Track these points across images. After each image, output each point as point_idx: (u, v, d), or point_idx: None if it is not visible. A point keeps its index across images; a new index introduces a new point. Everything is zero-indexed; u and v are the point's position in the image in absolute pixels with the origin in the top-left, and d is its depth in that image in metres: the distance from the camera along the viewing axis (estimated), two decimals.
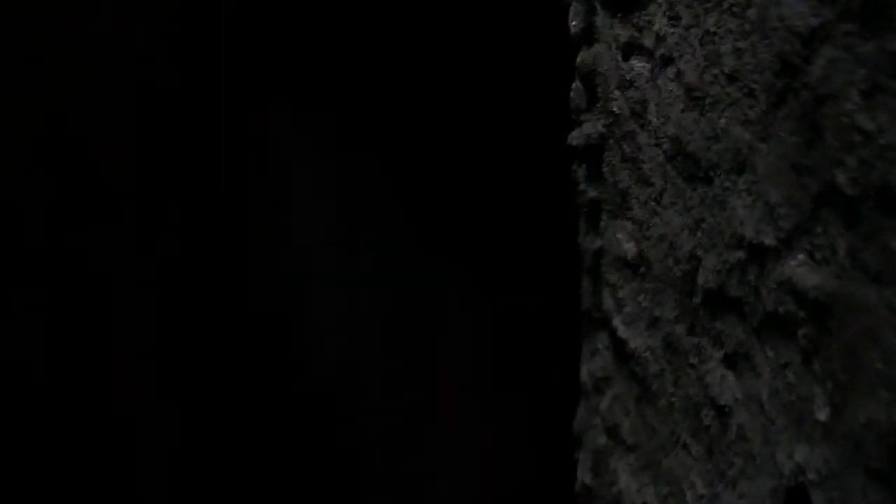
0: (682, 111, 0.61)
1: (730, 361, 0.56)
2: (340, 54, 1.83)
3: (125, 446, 1.78)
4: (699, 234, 0.60)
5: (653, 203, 0.69)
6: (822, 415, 0.42)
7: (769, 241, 0.48)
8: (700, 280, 0.60)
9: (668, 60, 0.64)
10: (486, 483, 1.85)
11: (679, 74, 0.61)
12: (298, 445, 1.83)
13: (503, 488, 1.83)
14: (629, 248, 0.77)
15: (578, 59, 0.85)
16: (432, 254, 1.86)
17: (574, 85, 0.96)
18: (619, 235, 0.79)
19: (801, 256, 0.45)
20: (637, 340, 0.75)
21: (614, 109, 0.77)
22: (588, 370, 0.96)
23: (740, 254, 0.53)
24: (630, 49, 0.73)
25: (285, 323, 1.88)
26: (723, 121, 0.54)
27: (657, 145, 0.67)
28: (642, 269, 0.74)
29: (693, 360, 0.63)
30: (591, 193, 0.86)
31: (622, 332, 0.79)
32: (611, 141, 0.80)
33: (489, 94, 1.83)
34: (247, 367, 1.81)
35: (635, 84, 0.72)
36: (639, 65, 0.71)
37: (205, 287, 1.82)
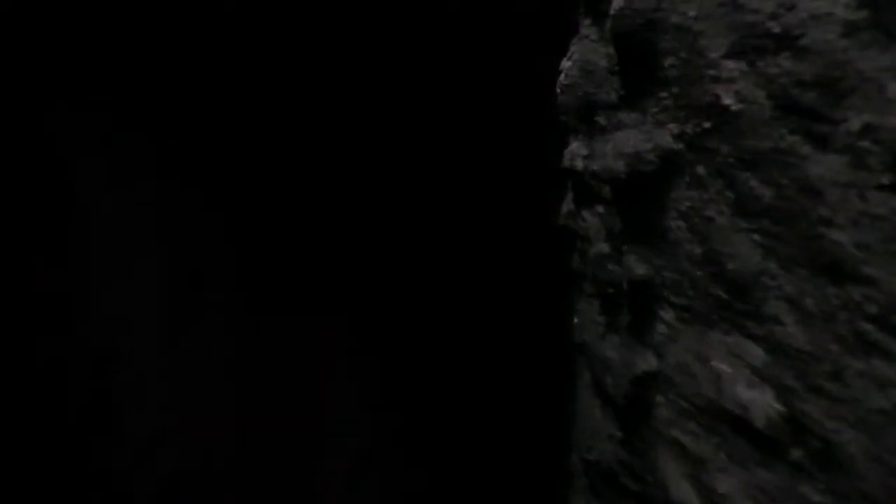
0: None
1: None
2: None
3: None
4: None
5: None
6: None
7: None
8: None
9: None
10: None
11: None
12: None
13: None
14: (760, 402, 0.34)
15: (618, 4, 0.42)
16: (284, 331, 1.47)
17: (571, 59, 0.53)
18: (720, 364, 0.37)
19: None
20: None
21: (722, 99, 0.35)
22: None
23: None
24: None
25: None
26: None
27: None
28: (787, 444, 0.32)
29: None
30: (638, 269, 0.44)
31: None
32: (699, 168, 0.37)
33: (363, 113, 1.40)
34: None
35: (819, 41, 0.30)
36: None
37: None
